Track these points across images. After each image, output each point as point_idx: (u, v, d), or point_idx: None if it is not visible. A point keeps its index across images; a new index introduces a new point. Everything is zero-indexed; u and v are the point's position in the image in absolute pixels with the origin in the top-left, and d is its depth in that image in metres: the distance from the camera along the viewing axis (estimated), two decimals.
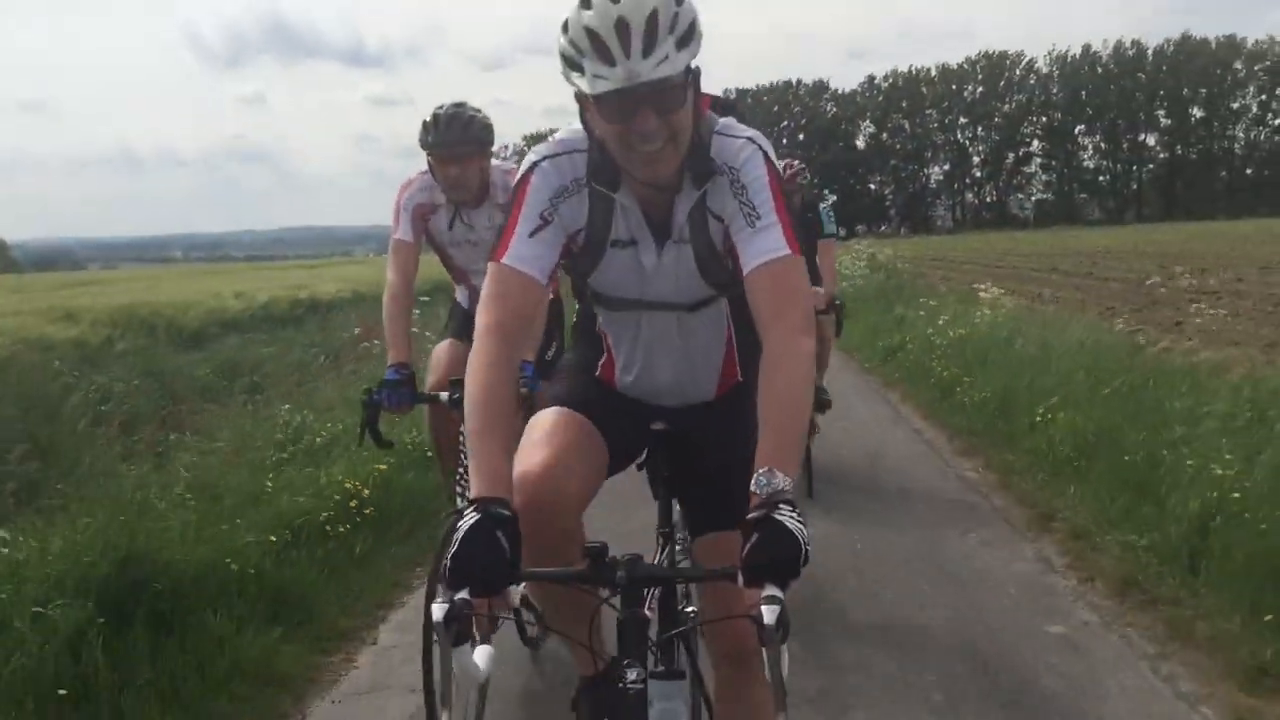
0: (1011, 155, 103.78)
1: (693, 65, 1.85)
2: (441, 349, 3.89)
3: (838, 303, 6.01)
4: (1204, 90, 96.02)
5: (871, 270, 22.10)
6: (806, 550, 1.56)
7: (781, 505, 1.60)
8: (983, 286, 14.13)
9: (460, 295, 4.06)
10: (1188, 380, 6.62)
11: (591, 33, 1.76)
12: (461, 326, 3.81)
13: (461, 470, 3.26)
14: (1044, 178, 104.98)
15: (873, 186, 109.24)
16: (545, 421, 2.18)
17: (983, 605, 4.34)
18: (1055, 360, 7.91)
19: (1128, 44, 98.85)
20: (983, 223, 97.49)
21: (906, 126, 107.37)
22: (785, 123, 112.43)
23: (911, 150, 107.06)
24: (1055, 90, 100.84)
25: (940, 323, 11.05)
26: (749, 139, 1.99)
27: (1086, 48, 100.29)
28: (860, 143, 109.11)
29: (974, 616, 4.22)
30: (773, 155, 2.00)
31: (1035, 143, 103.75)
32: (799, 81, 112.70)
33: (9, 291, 23.91)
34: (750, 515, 1.61)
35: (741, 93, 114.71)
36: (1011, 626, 4.11)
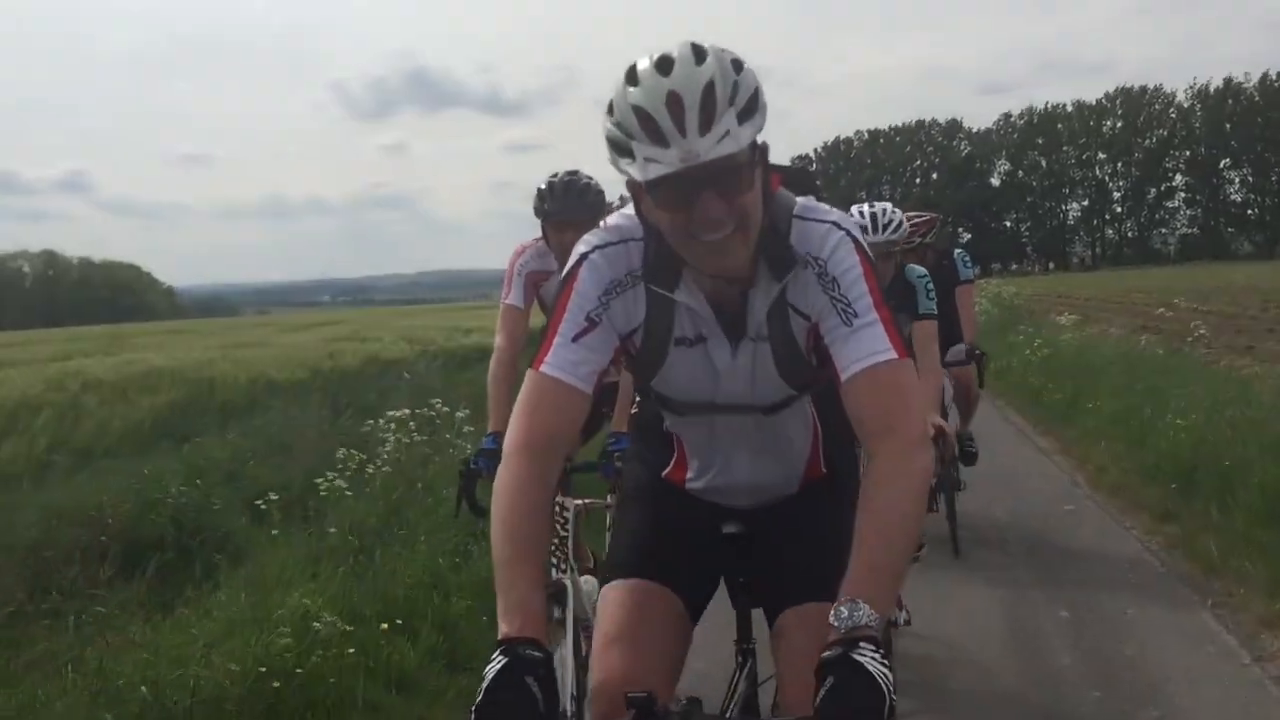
0: (1153, 190, 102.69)
1: (759, 140, 1.61)
2: None
3: (978, 352, 5.93)
4: None
5: (994, 307, 24.70)
6: (891, 701, 1.35)
7: (863, 644, 1.38)
8: (1062, 315, 16.92)
9: None
10: (1198, 378, 9.47)
11: (640, 111, 1.53)
12: None
13: (556, 541, 3.24)
14: (1188, 212, 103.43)
15: (1008, 224, 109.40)
16: (617, 608, 1.97)
17: (1031, 500, 7.38)
18: (1108, 368, 10.83)
19: (1274, 76, 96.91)
20: (1124, 259, 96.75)
21: (1043, 163, 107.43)
22: (918, 161, 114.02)
23: (1048, 187, 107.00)
24: (1198, 124, 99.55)
25: (1035, 344, 13.95)
26: (834, 224, 1.74)
27: (1229, 80, 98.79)
28: (995, 180, 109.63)
29: (1025, 503, 7.27)
30: (862, 240, 1.75)
31: (1178, 177, 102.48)
32: (932, 120, 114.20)
33: (280, 330, 28.81)
34: (825, 654, 1.39)
35: (873, 134, 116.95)
36: (1045, 507, 7.15)
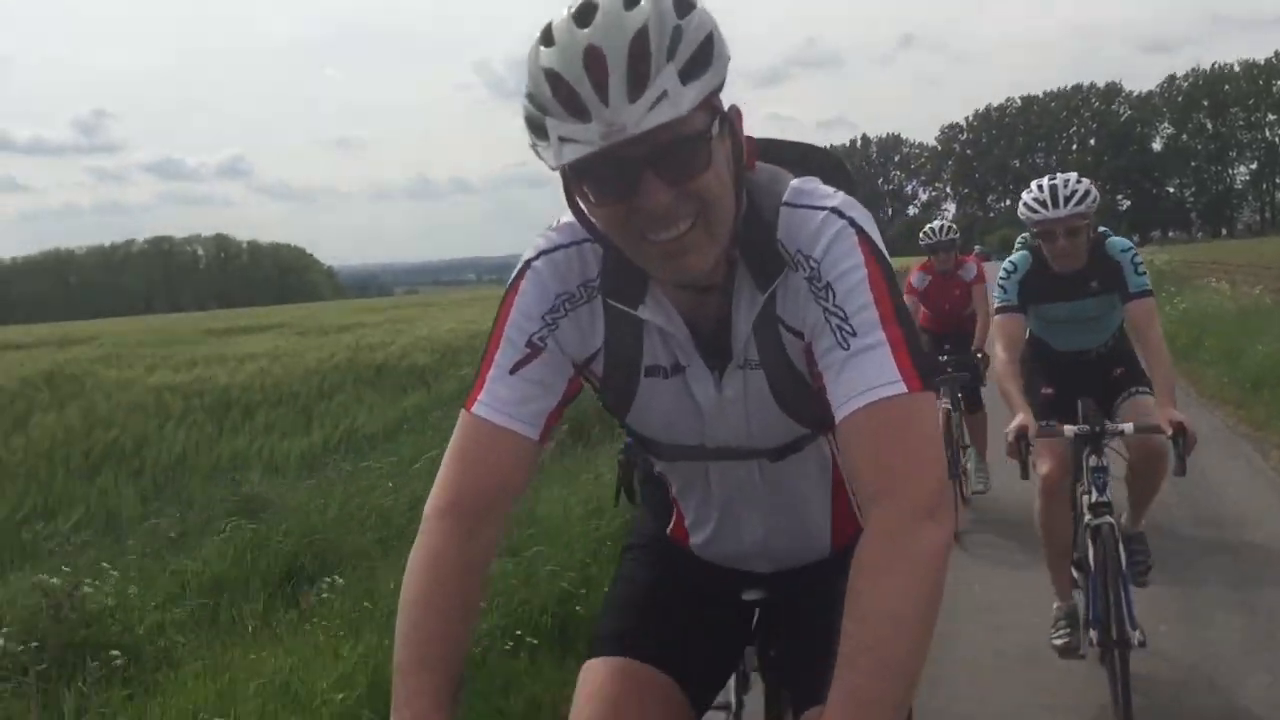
0: None
1: (720, 103, 1.21)
2: None
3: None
4: None
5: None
6: None
7: None
8: (1208, 280, 19.60)
9: None
10: None
11: (553, 76, 1.14)
12: None
13: None
14: None
15: (1170, 190, 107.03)
16: (595, 694, 1.55)
17: None
18: (1229, 319, 13.85)
19: None
20: None
21: (1209, 126, 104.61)
22: (1074, 127, 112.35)
23: (1214, 150, 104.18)
24: None
25: (1175, 301, 16.92)
26: (833, 210, 1.28)
27: None
28: (1157, 145, 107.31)
29: None
30: (873, 231, 1.28)
31: None
32: (1090, 84, 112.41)
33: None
34: None
35: (1027, 100, 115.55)
36: None
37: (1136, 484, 3.94)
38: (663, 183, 1.16)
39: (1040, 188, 3.69)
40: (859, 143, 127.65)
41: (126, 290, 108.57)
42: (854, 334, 1.22)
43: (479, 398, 1.33)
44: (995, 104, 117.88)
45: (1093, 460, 3.51)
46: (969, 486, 6.56)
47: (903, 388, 1.19)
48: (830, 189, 1.34)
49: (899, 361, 1.20)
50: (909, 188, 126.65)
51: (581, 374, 1.42)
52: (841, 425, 1.22)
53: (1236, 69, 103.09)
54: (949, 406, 6.30)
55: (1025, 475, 3.48)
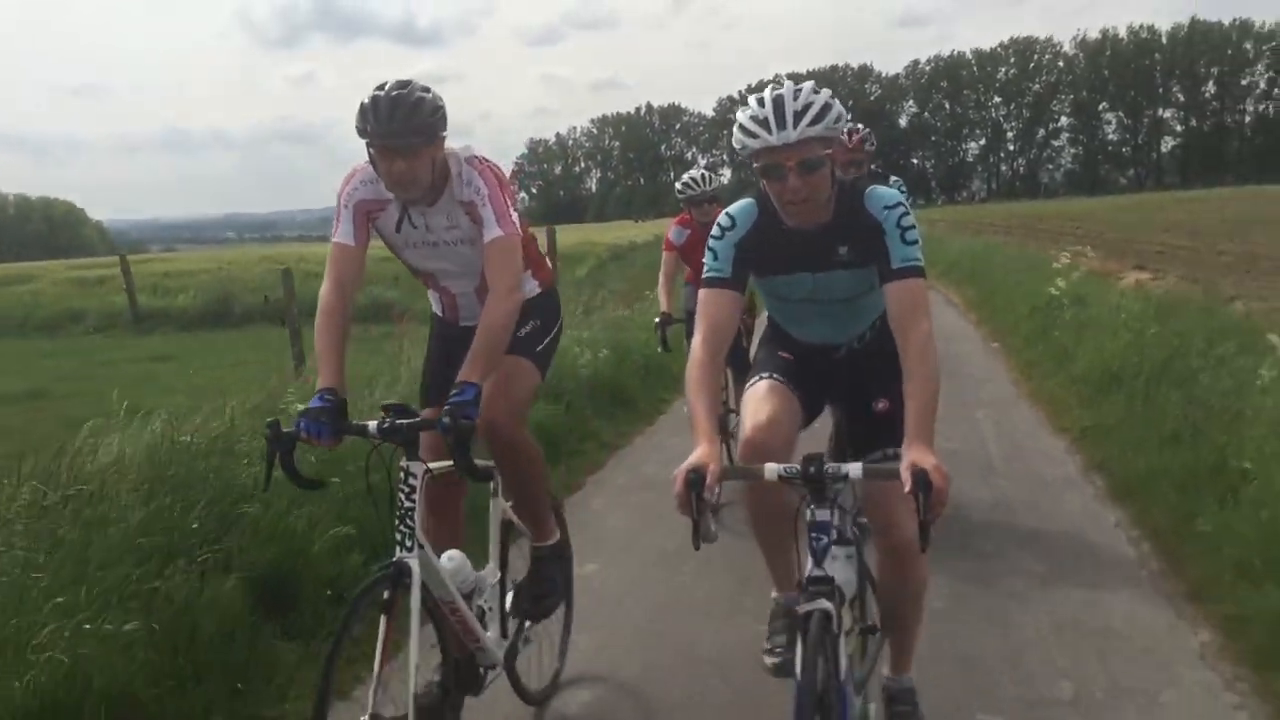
0: (1041, 130, 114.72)
1: None
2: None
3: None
4: (1215, 69, 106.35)
5: None
6: None
7: None
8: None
9: (432, 301, 3.36)
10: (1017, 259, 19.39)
11: None
12: (434, 343, 3.38)
13: (400, 513, 2.60)
14: (1071, 151, 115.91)
15: (915, 161, 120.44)
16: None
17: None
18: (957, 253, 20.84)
19: (1139, 28, 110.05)
20: (1015, 192, 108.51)
21: (947, 106, 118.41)
22: None
23: (950, 127, 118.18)
24: (1080, 70, 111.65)
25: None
26: None
27: (1105, 31, 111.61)
28: (903, 122, 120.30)
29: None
30: None
31: (1063, 119, 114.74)
32: (845, 65, 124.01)
33: None
34: None
35: (792, 77, 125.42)
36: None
37: (886, 583, 2.85)
38: None
39: (760, 101, 2.45)
40: (643, 110, 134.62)
41: None
42: None
43: None
44: (765, 80, 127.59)
45: (809, 513, 2.31)
46: (736, 453, 5.27)
47: None
48: None
49: None
50: (689, 154, 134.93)
51: None
52: None
53: (969, 56, 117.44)
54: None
55: (697, 544, 2.26)
